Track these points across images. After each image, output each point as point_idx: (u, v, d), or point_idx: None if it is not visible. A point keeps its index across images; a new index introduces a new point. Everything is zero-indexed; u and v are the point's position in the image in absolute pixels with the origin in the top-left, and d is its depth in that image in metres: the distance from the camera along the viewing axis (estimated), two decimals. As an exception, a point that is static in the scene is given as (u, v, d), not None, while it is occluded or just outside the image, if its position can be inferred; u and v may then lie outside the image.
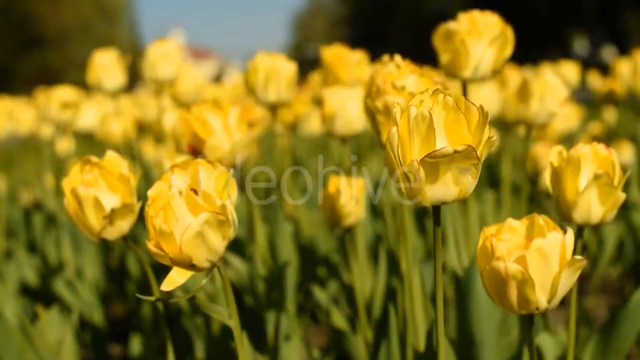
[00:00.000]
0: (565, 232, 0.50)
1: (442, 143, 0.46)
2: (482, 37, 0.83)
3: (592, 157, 0.62)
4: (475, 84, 1.09)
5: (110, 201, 0.67)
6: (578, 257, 0.49)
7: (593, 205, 0.63)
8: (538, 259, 0.49)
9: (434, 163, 0.46)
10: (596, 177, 0.62)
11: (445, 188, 0.47)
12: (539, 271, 0.49)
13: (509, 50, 0.86)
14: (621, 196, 0.63)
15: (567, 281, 0.50)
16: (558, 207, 0.65)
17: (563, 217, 0.65)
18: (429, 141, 0.46)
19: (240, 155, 0.85)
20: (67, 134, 2.00)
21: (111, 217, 0.66)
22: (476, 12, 0.84)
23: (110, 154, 0.69)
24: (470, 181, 0.47)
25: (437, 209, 0.50)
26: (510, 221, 0.53)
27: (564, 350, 0.90)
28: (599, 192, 0.62)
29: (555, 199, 0.65)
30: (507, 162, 1.36)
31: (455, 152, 0.45)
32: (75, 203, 0.67)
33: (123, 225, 0.68)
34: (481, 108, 0.46)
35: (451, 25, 0.84)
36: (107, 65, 1.57)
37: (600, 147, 0.63)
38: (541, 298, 0.50)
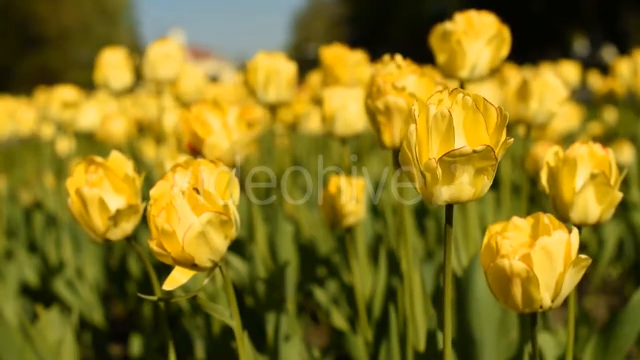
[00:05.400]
0: (570, 231, 0.50)
1: (461, 143, 0.46)
2: (478, 37, 0.83)
3: (588, 157, 0.62)
4: (475, 84, 1.09)
5: (115, 202, 0.66)
6: (583, 256, 0.50)
7: (590, 204, 0.62)
8: (543, 257, 0.49)
9: (451, 162, 0.45)
10: (593, 177, 0.61)
11: (461, 188, 0.47)
12: (544, 270, 0.49)
13: (505, 50, 0.86)
14: (618, 195, 0.63)
15: (572, 280, 0.51)
16: (555, 207, 0.65)
17: (560, 217, 0.65)
18: (448, 140, 0.46)
19: (239, 155, 0.85)
20: (68, 133, 1.99)
21: (116, 218, 0.66)
22: (472, 12, 0.84)
23: (115, 155, 0.68)
24: (486, 182, 0.47)
25: (450, 208, 0.50)
26: (515, 219, 0.53)
27: (564, 350, 0.90)
28: (595, 191, 0.62)
29: (552, 199, 0.65)
30: (506, 162, 1.36)
31: (474, 152, 0.44)
32: (80, 203, 0.66)
33: (127, 226, 0.67)
34: (500, 109, 0.46)
35: (447, 25, 0.84)
36: (114, 65, 1.58)
37: (597, 147, 0.63)
38: (545, 296, 0.50)
